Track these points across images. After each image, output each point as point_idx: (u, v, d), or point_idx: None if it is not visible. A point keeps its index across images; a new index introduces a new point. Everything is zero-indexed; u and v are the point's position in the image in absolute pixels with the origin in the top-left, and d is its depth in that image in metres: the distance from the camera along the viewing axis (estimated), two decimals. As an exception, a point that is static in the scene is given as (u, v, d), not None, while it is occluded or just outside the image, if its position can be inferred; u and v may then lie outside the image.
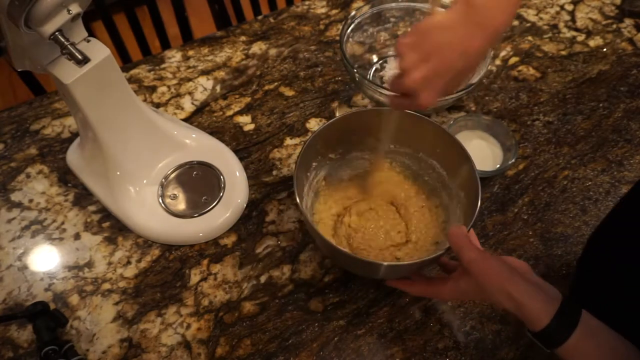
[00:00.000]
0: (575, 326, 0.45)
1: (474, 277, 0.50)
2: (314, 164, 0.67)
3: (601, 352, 0.45)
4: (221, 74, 0.89)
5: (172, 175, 0.74)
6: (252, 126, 0.82)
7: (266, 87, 0.87)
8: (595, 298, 0.57)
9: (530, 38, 0.95)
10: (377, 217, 0.68)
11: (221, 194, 0.71)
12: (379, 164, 0.70)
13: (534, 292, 0.47)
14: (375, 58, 0.90)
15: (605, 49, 0.93)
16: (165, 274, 0.67)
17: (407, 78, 0.49)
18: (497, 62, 0.91)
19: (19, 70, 0.64)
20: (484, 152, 0.76)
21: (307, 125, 0.82)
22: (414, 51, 0.49)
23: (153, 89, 0.87)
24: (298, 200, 0.57)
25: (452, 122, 0.77)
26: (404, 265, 0.57)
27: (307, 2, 1.02)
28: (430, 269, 0.67)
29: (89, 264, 0.67)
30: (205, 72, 0.89)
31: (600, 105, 0.85)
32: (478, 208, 0.56)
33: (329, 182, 0.70)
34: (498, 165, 0.75)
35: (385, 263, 0.56)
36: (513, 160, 0.73)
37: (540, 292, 0.48)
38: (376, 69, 0.89)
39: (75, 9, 0.53)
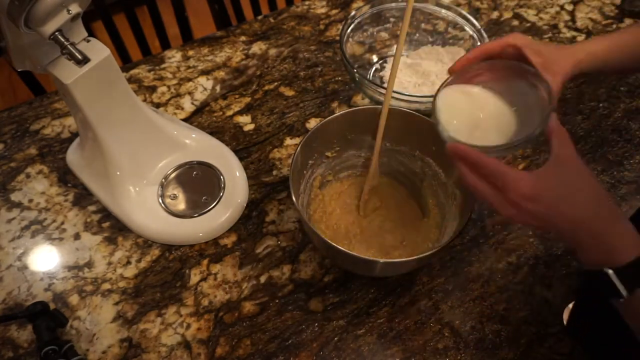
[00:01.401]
0: None
1: (567, 166, 0.41)
2: (310, 162, 0.67)
3: None
4: (221, 74, 0.89)
5: (172, 175, 0.74)
6: (252, 126, 0.82)
7: (266, 87, 0.87)
8: None
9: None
10: (378, 216, 0.68)
11: (221, 194, 0.71)
12: (373, 175, 0.68)
13: (623, 216, 0.42)
14: (375, 58, 0.90)
15: (605, 49, 0.93)
16: (165, 274, 0.67)
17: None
18: (497, 62, 0.91)
19: (19, 70, 0.64)
20: None
21: (307, 125, 0.82)
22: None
23: (153, 89, 0.87)
24: (294, 198, 0.57)
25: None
26: (400, 262, 0.57)
27: (307, 2, 1.02)
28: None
29: (89, 264, 0.68)
30: (205, 72, 0.89)
31: (600, 105, 0.85)
32: (473, 205, 0.56)
33: (326, 180, 0.70)
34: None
35: (382, 260, 0.56)
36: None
37: (625, 218, 0.42)
38: (376, 69, 0.89)
39: (75, 9, 0.53)
